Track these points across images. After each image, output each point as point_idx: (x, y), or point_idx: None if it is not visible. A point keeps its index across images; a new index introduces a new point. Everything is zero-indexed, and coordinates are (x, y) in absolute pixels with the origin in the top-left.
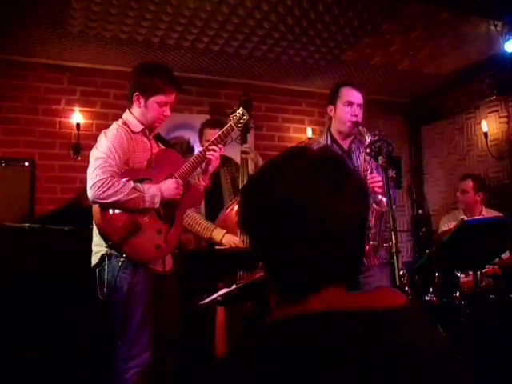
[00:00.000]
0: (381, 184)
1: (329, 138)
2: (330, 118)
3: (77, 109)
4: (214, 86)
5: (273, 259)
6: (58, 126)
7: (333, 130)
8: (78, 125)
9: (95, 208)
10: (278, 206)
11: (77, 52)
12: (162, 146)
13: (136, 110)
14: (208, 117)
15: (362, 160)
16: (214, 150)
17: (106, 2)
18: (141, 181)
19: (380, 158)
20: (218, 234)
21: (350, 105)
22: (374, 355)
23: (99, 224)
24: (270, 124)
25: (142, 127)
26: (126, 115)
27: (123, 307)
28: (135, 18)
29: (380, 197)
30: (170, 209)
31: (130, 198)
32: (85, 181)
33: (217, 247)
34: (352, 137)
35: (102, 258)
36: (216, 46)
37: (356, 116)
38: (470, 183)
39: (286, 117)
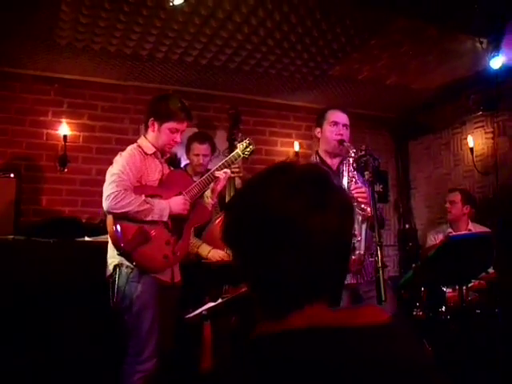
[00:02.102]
0: (365, 195)
1: (318, 159)
2: (318, 140)
3: (64, 120)
4: (202, 99)
5: (256, 275)
6: (45, 138)
7: (320, 152)
8: (65, 137)
9: (109, 218)
10: (261, 221)
11: (65, 64)
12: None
13: (150, 134)
14: (195, 130)
15: (346, 173)
16: (220, 173)
17: (95, 14)
18: (152, 197)
19: (366, 172)
20: (204, 249)
21: (335, 124)
22: (357, 372)
23: (111, 233)
24: (258, 138)
25: (155, 150)
26: (141, 140)
27: (132, 315)
28: (124, 30)
29: (363, 206)
30: (178, 223)
31: (140, 209)
32: (71, 193)
33: (203, 260)
34: (340, 158)
35: (114, 268)
36: (204, 59)
37: (341, 135)
38: (458, 195)
39: (273, 130)
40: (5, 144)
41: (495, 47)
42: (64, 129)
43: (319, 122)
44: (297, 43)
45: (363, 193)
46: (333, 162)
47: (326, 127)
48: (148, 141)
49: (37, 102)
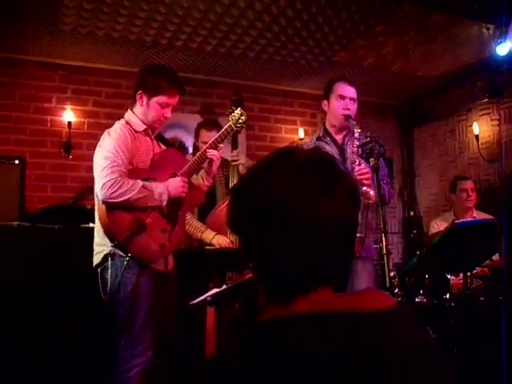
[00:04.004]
0: (368, 176)
1: (322, 131)
2: (325, 113)
3: (68, 107)
4: (206, 85)
5: (262, 260)
6: (49, 124)
7: (327, 125)
8: (69, 123)
9: (101, 208)
10: (267, 207)
11: (69, 50)
12: (164, 146)
13: (138, 108)
14: (199, 116)
15: (351, 151)
16: (214, 150)
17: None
18: (146, 180)
19: (371, 159)
20: (209, 235)
21: (342, 98)
22: (361, 357)
23: (105, 224)
24: (262, 124)
25: (145, 127)
26: (129, 115)
27: (127, 307)
28: (128, 16)
29: (365, 188)
30: (173, 208)
31: (139, 196)
32: (75, 179)
33: (207, 247)
34: (345, 131)
35: (105, 257)
36: (209, 45)
37: (348, 110)
38: (472, 183)
39: (278, 117)
40: (9, 131)
41: (502, 33)
42: (68, 115)
43: (326, 94)
44: (302, 29)
45: (366, 174)
46: (338, 137)
47: (333, 101)
48: (136, 116)
49: (41, 88)
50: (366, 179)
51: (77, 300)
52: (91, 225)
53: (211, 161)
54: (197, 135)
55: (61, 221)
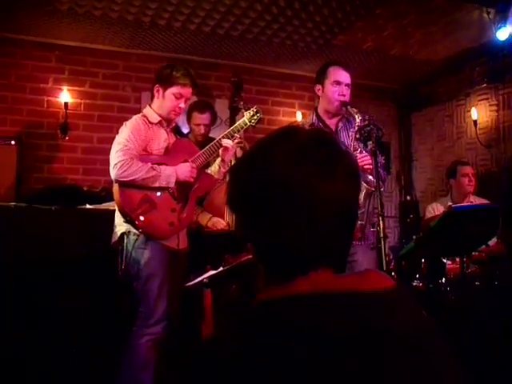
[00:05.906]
0: (371, 163)
1: (315, 117)
2: (318, 98)
3: (65, 88)
4: (204, 67)
5: (261, 240)
6: (45, 105)
7: (320, 110)
8: (66, 104)
9: (115, 187)
10: (267, 186)
11: (66, 30)
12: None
13: (155, 102)
14: (195, 98)
15: (351, 139)
16: (229, 139)
17: None
18: (158, 165)
19: (369, 142)
20: (205, 217)
21: (337, 84)
22: (361, 337)
23: (118, 201)
24: (260, 107)
25: (160, 119)
26: (146, 109)
27: (140, 281)
28: None
29: (370, 177)
30: (184, 191)
31: (147, 176)
32: (72, 161)
33: (205, 229)
34: (339, 116)
35: (122, 235)
36: (207, 27)
37: (344, 96)
38: (472, 168)
39: (276, 100)
40: (5, 111)
41: (502, 18)
42: (65, 96)
43: (320, 78)
44: (301, 11)
45: (370, 164)
46: (331, 122)
47: (328, 86)
48: (153, 110)
49: (37, 68)
50: (369, 167)
51: (74, 281)
52: (88, 206)
53: (226, 149)
54: (189, 117)
55: (58, 202)
